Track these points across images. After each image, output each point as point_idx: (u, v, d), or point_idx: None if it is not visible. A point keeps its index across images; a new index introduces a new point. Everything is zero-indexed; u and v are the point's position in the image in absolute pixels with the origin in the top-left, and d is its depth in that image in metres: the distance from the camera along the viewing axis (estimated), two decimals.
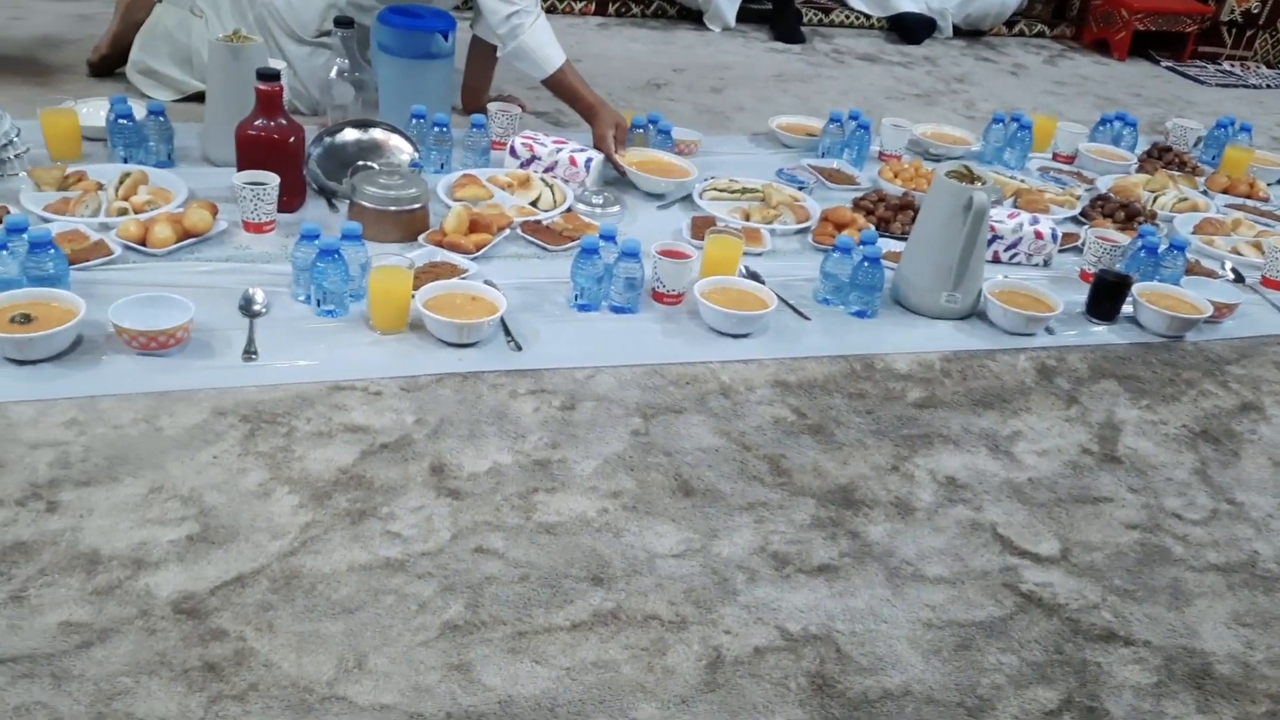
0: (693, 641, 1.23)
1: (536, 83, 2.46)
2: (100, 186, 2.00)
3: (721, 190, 2.35)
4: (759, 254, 2.12)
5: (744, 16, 4.02)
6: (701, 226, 2.14)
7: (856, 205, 2.35)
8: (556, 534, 1.37)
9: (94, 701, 1.05)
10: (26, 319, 1.56)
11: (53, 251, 1.66)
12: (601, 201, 2.24)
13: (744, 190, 2.35)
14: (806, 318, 1.95)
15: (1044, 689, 1.24)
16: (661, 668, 1.19)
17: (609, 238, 1.90)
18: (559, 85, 2.43)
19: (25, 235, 1.66)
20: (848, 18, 4.25)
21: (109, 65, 2.68)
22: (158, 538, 1.27)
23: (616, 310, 1.89)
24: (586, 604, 1.26)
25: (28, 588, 1.17)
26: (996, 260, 2.23)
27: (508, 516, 1.39)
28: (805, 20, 4.11)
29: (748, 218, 2.24)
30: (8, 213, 1.84)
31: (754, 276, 2.00)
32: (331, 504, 1.37)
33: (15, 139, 2.07)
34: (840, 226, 2.20)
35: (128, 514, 1.30)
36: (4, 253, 1.64)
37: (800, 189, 2.42)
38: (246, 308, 1.74)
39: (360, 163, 2.15)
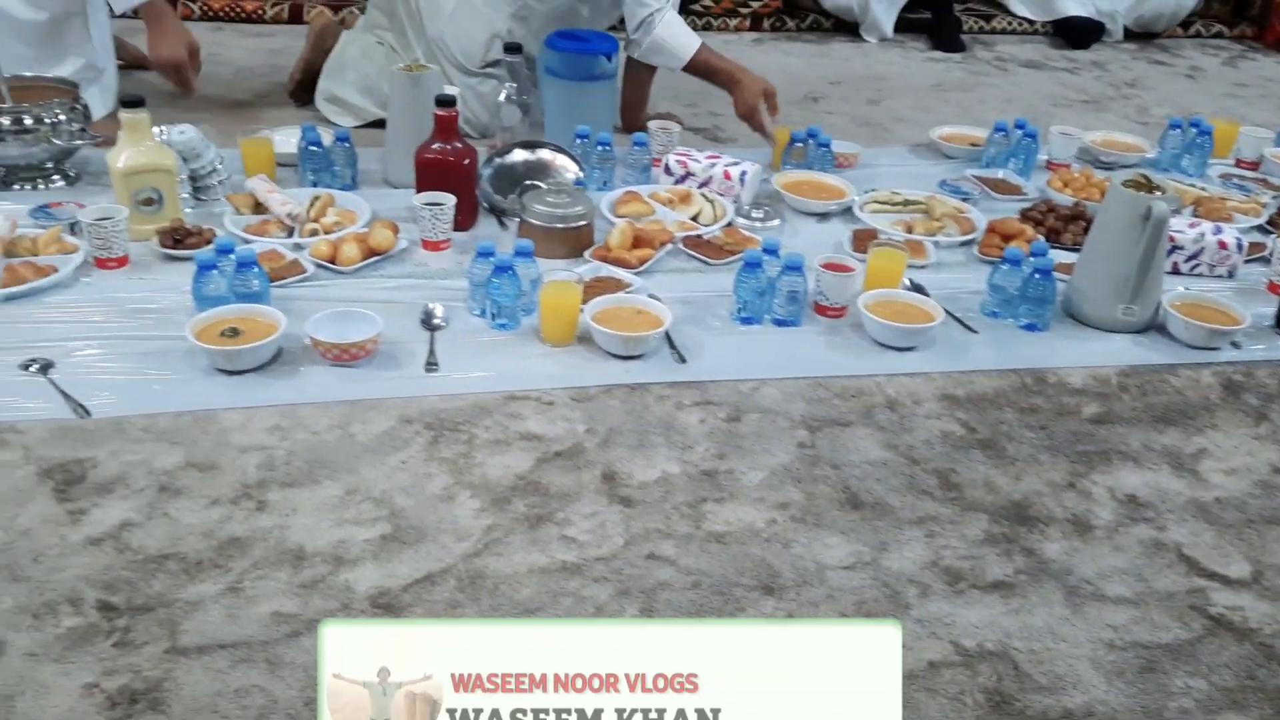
0: None
1: (694, 99, 2.50)
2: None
3: (883, 203, 2.34)
4: (923, 266, 2.10)
5: (901, 26, 3.97)
6: (863, 239, 2.13)
7: (1025, 216, 2.30)
8: (726, 543, 1.39)
9: (304, 687, 1.13)
10: (235, 332, 1.69)
11: (256, 270, 1.80)
12: (761, 215, 2.26)
13: (906, 202, 2.33)
14: (974, 331, 1.92)
15: (1236, 715, 1.19)
16: None
17: (772, 251, 1.92)
18: (698, 67, 2.47)
19: (233, 255, 1.80)
20: (1010, 24, 4.14)
21: (303, 91, 2.86)
22: (355, 536, 1.36)
23: (779, 323, 1.90)
24: (758, 612, 1.28)
25: (243, 580, 1.27)
26: (1176, 271, 2.15)
27: (678, 525, 1.42)
28: (965, 28, 4.04)
29: (910, 230, 2.23)
30: (215, 235, 2.00)
31: (918, 289, 1.98)
32: (511, 509, 1.43)
33: (219, 166, 2.24)
34: (1008, 238, 2.16)
35: (328, 514, 1.39)
36: (214, 272, 1.77)
37: (964, 200, 2.39)
38: (427, 321, 1.84)
39: (528, 182, 2.23)
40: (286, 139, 2.43)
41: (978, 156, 2.67)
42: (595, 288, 1.90)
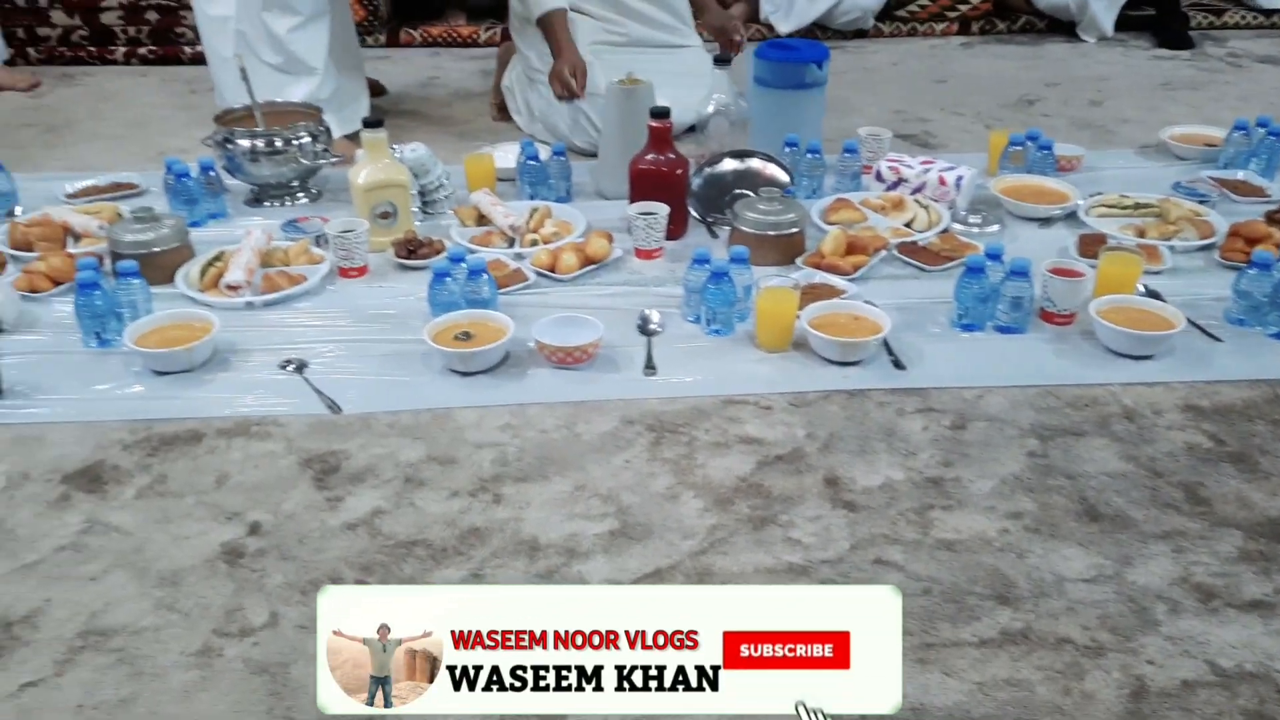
0: (1112, 669, 1.18)
1: (901, 105, 2.46)
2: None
3: (1111, 206, 2.23)
4: (1158, 272, 1.99)
5: (1122, 25, 3.79)
6: (1091, 244, 2.04)
7: (1271, 219, 2.15)
8: (956, 551, 1.36)
9: None
10: (467, 336, 1.78)
11: (485, 277, 1.89)
12: (980, 221, 2.20)
13: (1137, 205, 2.22)
14: (1218, 339, 1.81)
15: None
16: (1080, 692, 1.15)
17: (995, 256, 1.86)
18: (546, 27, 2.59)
19: (464, 264, 1.90)
20: (1244, 18, 3.88)
21: (501, 112, 3.01)
22: (585, 530, 1.40)
23: (1002, 330, 1.85)
24: (994, 622, 1.25)
25: (484, 567, 1.34)
26: None
27: (904, 531, 1.40)
28: (1193, 24, 3.81)
29: (1142, 234, 2.12)
30: (444, 246, 2.11)
31: (1153, 295, 1.88)
32: (734, 509, 1.44)
33: (445, 181, 2.37)
34: (1253, 241, 2.02)
35: (558, 508, 1.45)
36: (448, 279, 1.87)
37: (1202, 203, 2.25)
38: (644, 327, 1.88)
39: (737, 190, 2.26)
40: (506, 155, 2.55)
41: (1214, 158, 2.51)
42: (810, 294, 1.90)
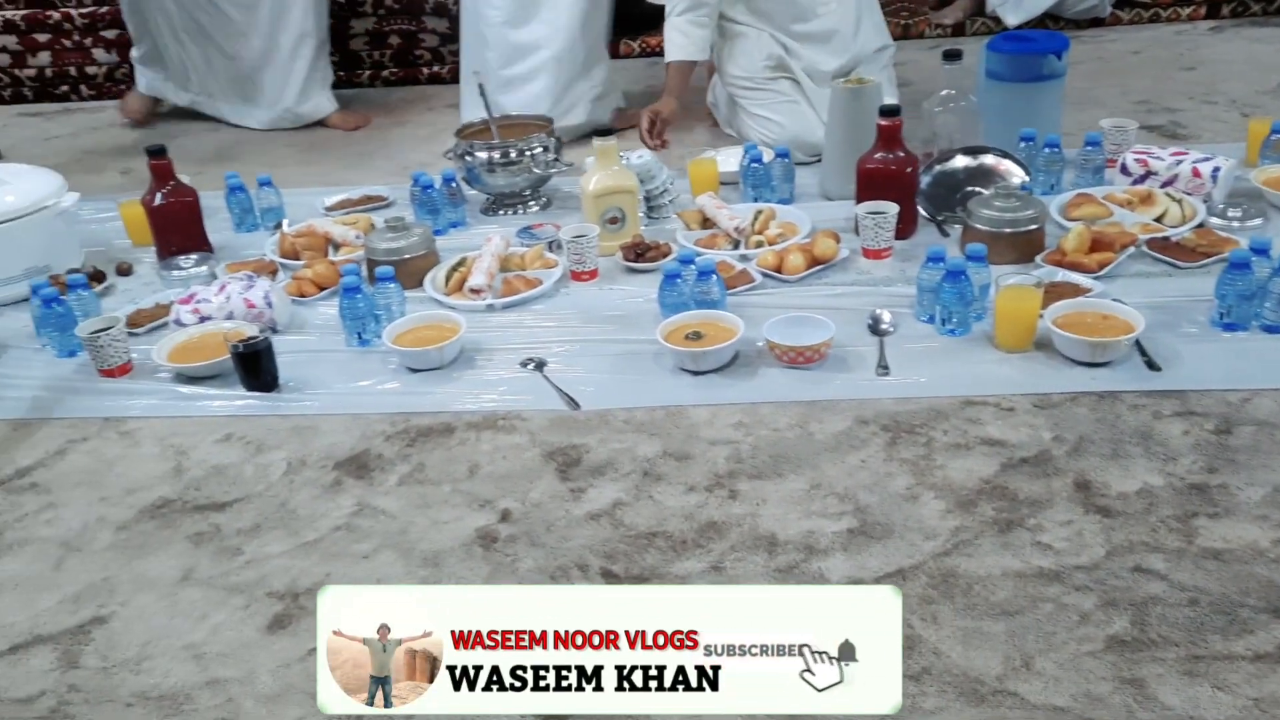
0: None
1: (1145, 95, 2.32)
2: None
3: None
4: None
5: None
6: None
7: None
8: (1225, 561, 1.28)
9: None
10: (698, 336, 1.81)
11: (715, 278, 1.91)
12: (1240, 214, 2.05)
13: None
14: None
15: None
16: None
17: (1261, 251, 1.73)
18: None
19: (693, 266, 1.93)
20: None
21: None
22: (823, 528, 1.40)
23: (1270, 329, 1.72)
24: (1270, 636, 1.16)
25: (724, 560, 1.36)
26: None
27: (1166, 539, 1.33)
28: None
29: None
30: (671, 249, 2.15)
31: None
32: (978, 511, 1.41)
33: (670, 186, 2.42)
34: None
35: (795, 505, 1.45)
36: (678, 281, 1.91)
37: None
38: (875, 327, 1.86)
39: (969, 188, 2.20)
40: (728, 159, 2.57)
41: None
42: (1052, 293, 1.83)
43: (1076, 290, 1.85)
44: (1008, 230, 2.01)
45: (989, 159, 2.25)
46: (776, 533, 1.40)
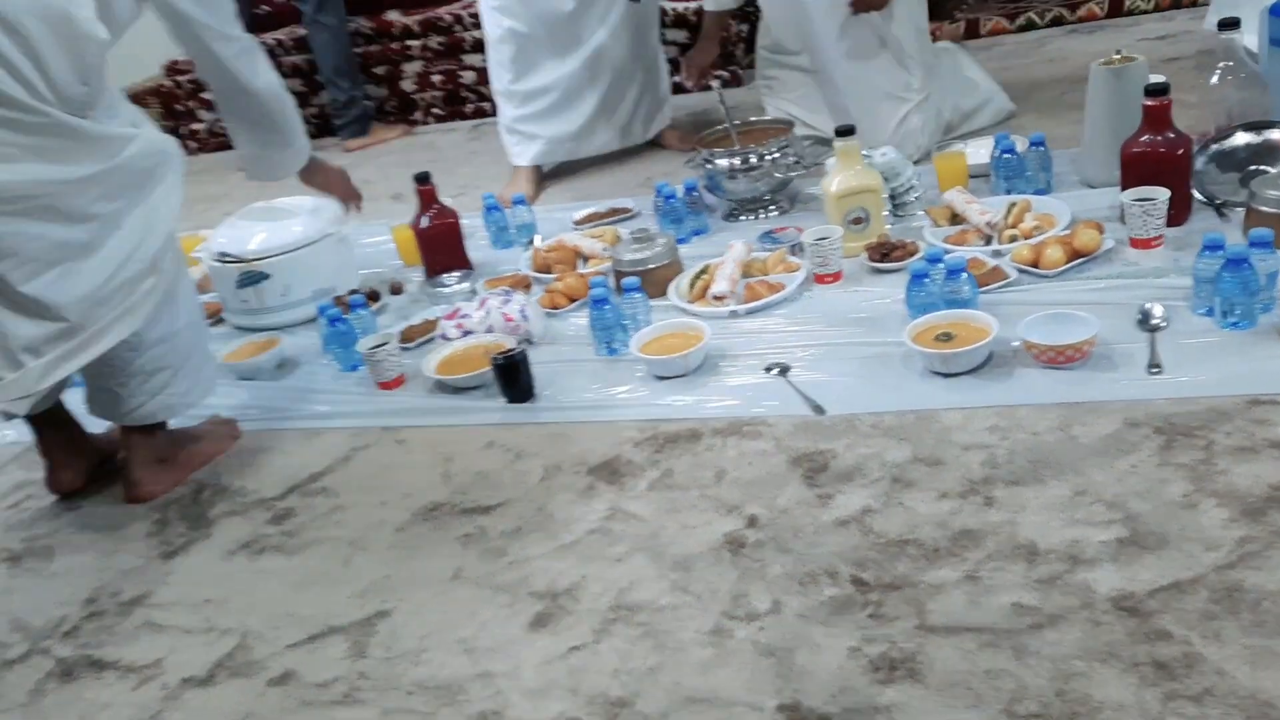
0: None
1: None
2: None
3: None
4: None
5: None
6: None
7: None
8: None
9: (1053, 678, 1.13)
10: (948, 337, 1.75)
11: (965, 276, 1.85)
12: None
13: None
14: None
15: None
16: None
17: None
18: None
19: (942, 264, 1.87)
20: None
21: None
22: (1089, 537, 1.32)
23: None
24: None
25: (979, 570, 1.31)
26: None
27: None
28: None
29: None
30: (918, 248, 2.10)
31: None
32: (1267, 520, 1.29)
33: (915, 183, 2.36)
34: None
35: (1057, 513, 1.38)
36: (926, 280, 1.86)
37: None
38: (1145, 322, 1.73)
39: (1253, 167, 2.01)
40: (979, 150, 2.48)
41: None
42: None
43: None
44: None
45: (1276, 134, 2.04)
46: (1037, 541, 1.34)
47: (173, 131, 4.46)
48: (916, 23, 2.67)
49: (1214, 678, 1.09)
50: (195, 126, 4.61)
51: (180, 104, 4.59)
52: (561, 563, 1.50)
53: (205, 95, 4.50)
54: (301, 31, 4.18)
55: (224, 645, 1.49)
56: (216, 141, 4.54)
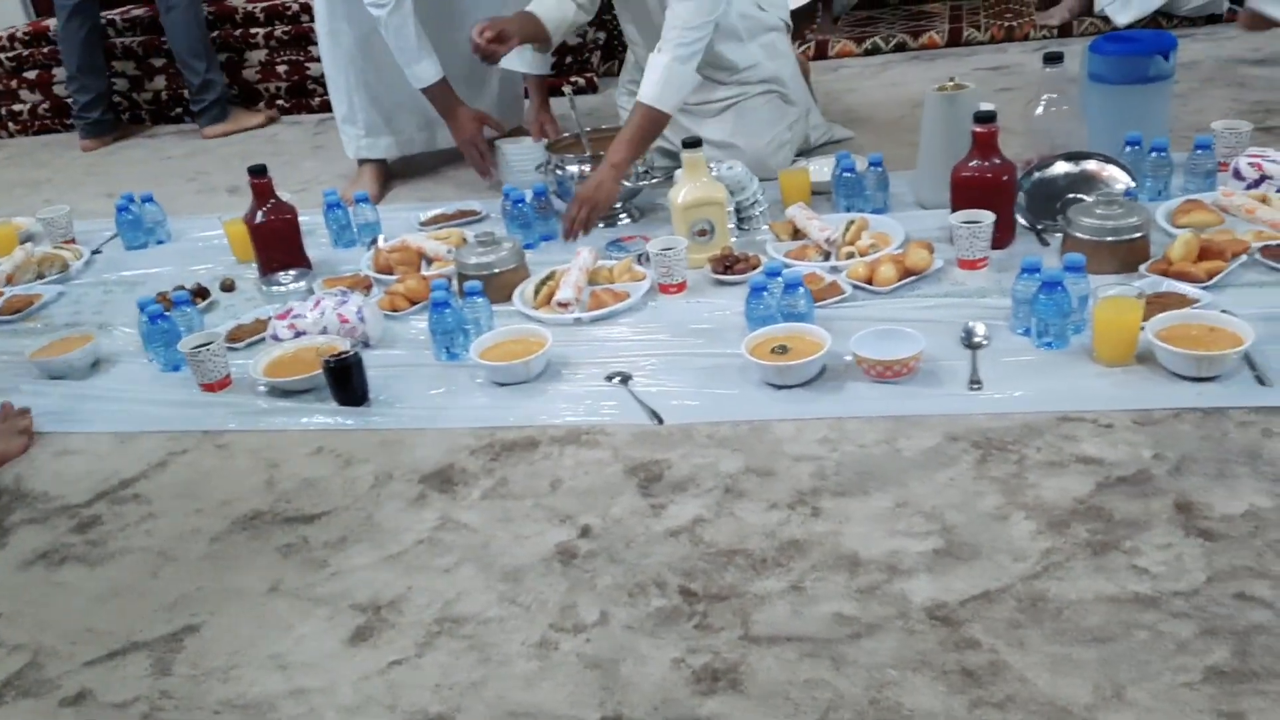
0: None
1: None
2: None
3: None
4: None
5: None
6: None
7: None
8: None
9: (868, 686, 1.16)
10: (784, 349, 1.78)
11: (802, 291, 1.89)
12: None
13: None
14: None
15: None
16: None
17: None
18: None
19: (780, 278, 1.91)
20: None
21: None
22: (908, 548, 1.36)
23: None
24: None
25: (803, 580, 1.33)
26: None
27: (1273, 564, 1.25)
28: None
29: None
30: (760, 261, 2.13)
31: None
32: (1071, 533, 1.35)
33: (760, 198, 2.40)
34: None
35: (879, 524, 1.41)
36: (765, 294, 1.89)
37: None
38: (968, 340, 1.80)
39: (1070, 195, 2.12)
40: (821, 168, 2.54)
41: None
42: (1156, 304, 1.75)
43: (1182, 301, 1.77)
44: (1109, 239, 1.93)
45: (1092, 165, 2.16)
46: (859, 552, 1.37)
47: None
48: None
49: (1016, 684, 1.14)
50: (16, 107, 4.32)
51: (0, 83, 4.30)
52: (387, 574, 1.45)
53: (27, 75, 4.23)
54: (137, 11, 3.97)
55: (13, 663, 1.38)
56: (40, 124, 4.27)
